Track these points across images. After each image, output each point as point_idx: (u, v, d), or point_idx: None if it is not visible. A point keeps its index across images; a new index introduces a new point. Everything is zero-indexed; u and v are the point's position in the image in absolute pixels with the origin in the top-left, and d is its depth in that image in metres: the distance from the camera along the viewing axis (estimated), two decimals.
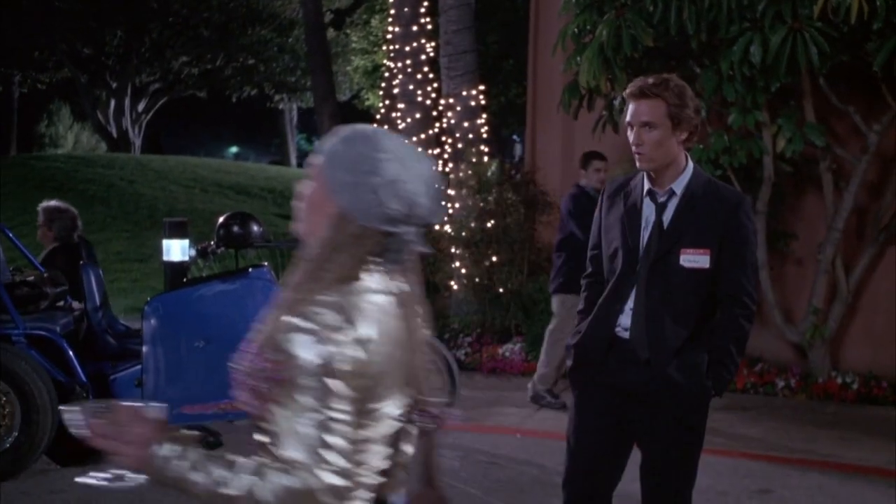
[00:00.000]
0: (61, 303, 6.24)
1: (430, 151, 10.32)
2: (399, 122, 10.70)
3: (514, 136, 26.52)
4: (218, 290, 5.80)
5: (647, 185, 3.33)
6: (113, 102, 28.24)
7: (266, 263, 6.14)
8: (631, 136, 3.29)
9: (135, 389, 5.78)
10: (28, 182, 18.11)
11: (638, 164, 3.31)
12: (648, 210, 3.32)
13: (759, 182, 7.63)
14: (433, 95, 10.56)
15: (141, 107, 28.93)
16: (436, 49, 10.56)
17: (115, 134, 28.21)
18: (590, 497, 3.46)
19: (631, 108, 3.29)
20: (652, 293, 3.28)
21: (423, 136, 10.39)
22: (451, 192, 9.80)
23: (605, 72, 7.03)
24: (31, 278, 6.06)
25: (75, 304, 6.28)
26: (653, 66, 7.52)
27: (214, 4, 25.91)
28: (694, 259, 3.26)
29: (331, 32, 24.04)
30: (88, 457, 5.84)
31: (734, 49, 6.60)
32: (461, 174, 9.56)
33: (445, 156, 10.25)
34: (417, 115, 10.47)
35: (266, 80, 27.90)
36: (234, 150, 44.47)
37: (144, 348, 5.69)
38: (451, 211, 9.73)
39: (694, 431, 3.36)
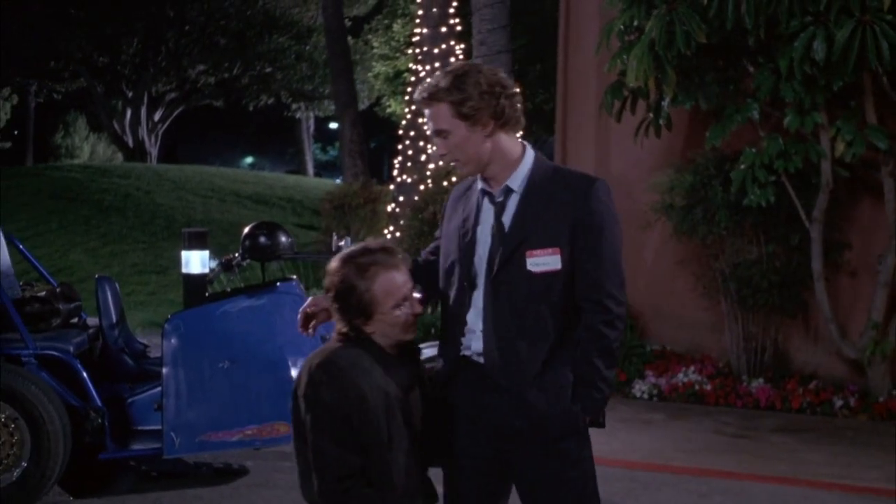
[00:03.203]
0: (75, 319, 5.83)
1: None
2: (426, 128, 10.29)
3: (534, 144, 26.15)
4: (244, 306, 5.35)
5: (480, 186, 2.90)
6: (129, 112, 27.96)
7: (295, 277, 5.70)
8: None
9: (154, 414, 5.35)
10: (43, 192, 17.82)
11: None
12: (487, 214, 2.88)
13: (816, 189, 7.19)
14: None
15: (157, 116, 28.65)
16: (465, 51, 10.14)
17: (131, 144, 27.92)
18: None
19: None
20: (499, 309, 2.82)
21: None
22: None
23: (655, 70, 6.59)
24: (43, 294, 5.64)
25: (90, 321, 5.87)
26: (703, 64, 7.08)
27: (232, 12, 25.62)
28: (543, 262, 2.77)
29: (349, 40, 23.69)
30: (104, 486, 5.47)
31: (795, 45, 6.15)
32: None
33: None
34: None
35: (283, 88, 27.56)
36: (249, 160, 44.27)
37: (165, 369, 5.25)
38: None
39: (573, 464, 2.84)
